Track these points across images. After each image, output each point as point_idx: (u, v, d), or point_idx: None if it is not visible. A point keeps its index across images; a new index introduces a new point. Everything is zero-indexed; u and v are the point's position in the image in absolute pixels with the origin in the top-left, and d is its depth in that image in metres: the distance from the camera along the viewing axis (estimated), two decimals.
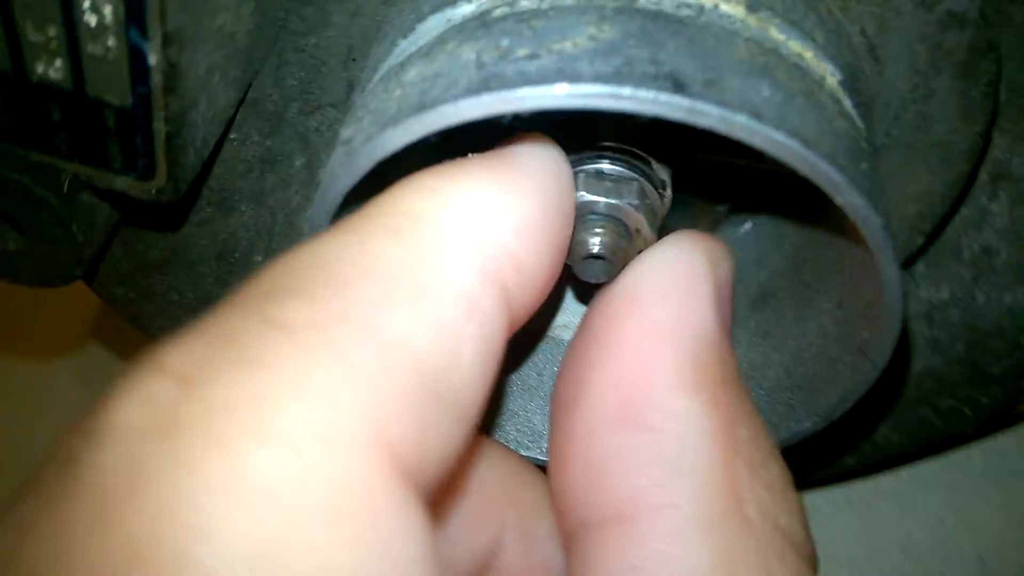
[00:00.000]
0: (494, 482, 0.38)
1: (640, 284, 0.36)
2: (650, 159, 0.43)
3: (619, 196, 0.41)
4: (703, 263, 0.36)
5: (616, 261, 0.41)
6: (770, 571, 0.30)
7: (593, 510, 0.32)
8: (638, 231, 0.42)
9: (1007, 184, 0.52)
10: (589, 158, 0.42)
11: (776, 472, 0.32)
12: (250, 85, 0.44)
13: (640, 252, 0.39)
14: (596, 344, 0.35)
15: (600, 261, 0.41)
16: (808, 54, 0.37)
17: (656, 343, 0.33)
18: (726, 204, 0.54)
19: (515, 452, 0.42)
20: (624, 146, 0.42)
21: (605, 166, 0.42)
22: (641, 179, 0.43)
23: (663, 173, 0.44)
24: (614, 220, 0.42)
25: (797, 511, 0.32)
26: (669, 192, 0.44)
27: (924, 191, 0.47)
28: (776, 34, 0.36)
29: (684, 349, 0.33)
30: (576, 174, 0.41)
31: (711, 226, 0.54)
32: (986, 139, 0.49)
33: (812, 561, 0.32)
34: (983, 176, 0.53)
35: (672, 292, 0.35)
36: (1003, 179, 0.52)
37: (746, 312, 0.49)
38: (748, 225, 0.54)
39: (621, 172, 0.42)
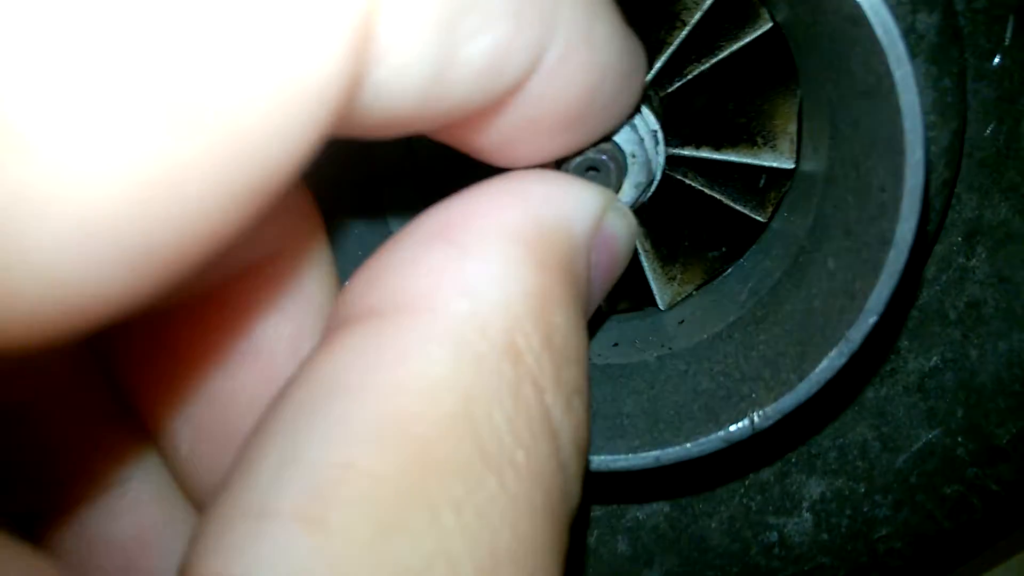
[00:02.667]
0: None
1: (539, 173, 0.35)
2: (642, 106, 0.43)
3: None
4: (604, 199, 0.35)
5: (612, 171, 0.39)
6: (515, 438, 0.26)
7: (362, 299, 0.29)
8: (634, 156, 0.41)
9: (982, 237, 0.52)
10: None
11: (574, 374, 0.30)
12: None
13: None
14: (467, 193, 0.33)
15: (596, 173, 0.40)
16: None
17: (512, 202, 0.31)
18: (720, 250, 0.53)
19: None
20: None
21: None
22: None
23: (655, 123, 0.44)
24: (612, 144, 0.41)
25: (577, 420, 0.30)
26: (661, 145, 0.44)
27: None
28: None
29: (540, 220, 0.31)
30: None
31: (705, 274, 0.53)
32: (952, 187, 0.51)
33: (572, 474, 0.29)
34: (957, 239, 0.53)
35: (562, 188, 0.34)
36: (978, 234, 0.52)
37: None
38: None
39: None
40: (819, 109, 0.45)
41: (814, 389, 0.39)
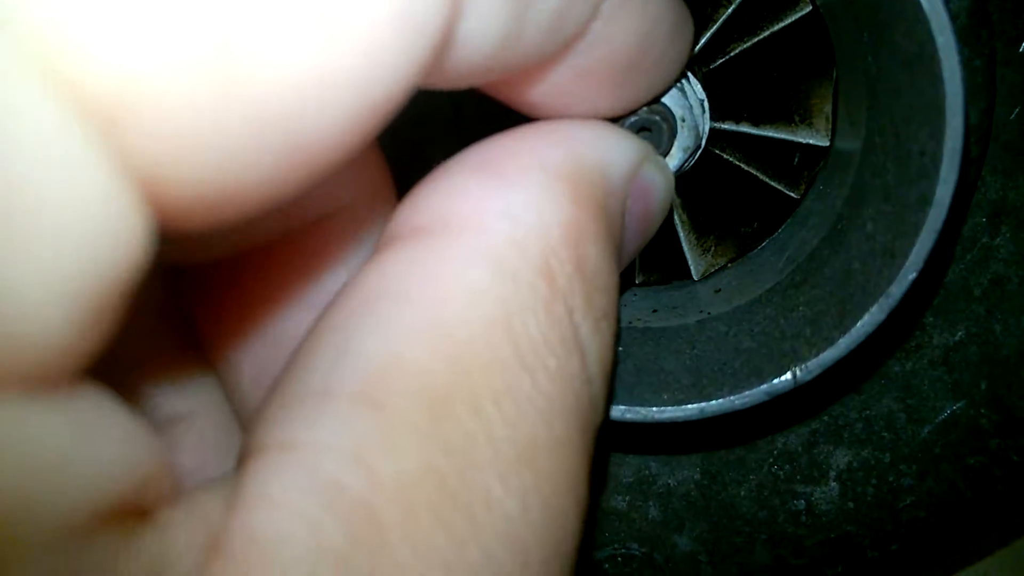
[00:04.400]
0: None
1: (580, 121, 0.36)
2: (690, 75, 0.45)
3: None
4: (643, 150, 0.37)
5: (664, 131, 0.41)
6: (547, 346, 0.29)
7: (410, 219, 0.31)
8: (683, 120, 0.43)
9: (1007, 218, 0.54)
10: None
11: (603, 301, 0.32)
12: None
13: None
14: (510, 134, 0.34)
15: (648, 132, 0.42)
16: None
17: (553, 142, 0.33)
18: (752, 226, 0.55)
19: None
20: None
21: None
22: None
23: (702, 92, 0.46)
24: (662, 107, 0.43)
25: (604, 342, 0.32)
26: (707, 112, 0.46)
27: None
28: None
29: (578, 160, 0.33)
30: None
31: (736, 248, 0.55)
32: (980, 164, 0.53)
33: (598, 391, 0.31)
34: (981, 219, 0.55)
35: (602, 134, 0.35)
36: (1002, 215, 0.54)
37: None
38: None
39: None
40: (857, 84, 0.47)
41: (855, 343, 0.41)
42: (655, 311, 0.52)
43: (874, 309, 0.40)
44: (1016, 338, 0.53)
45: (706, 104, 0.46)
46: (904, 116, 0.40)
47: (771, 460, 0.57)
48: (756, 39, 0.50)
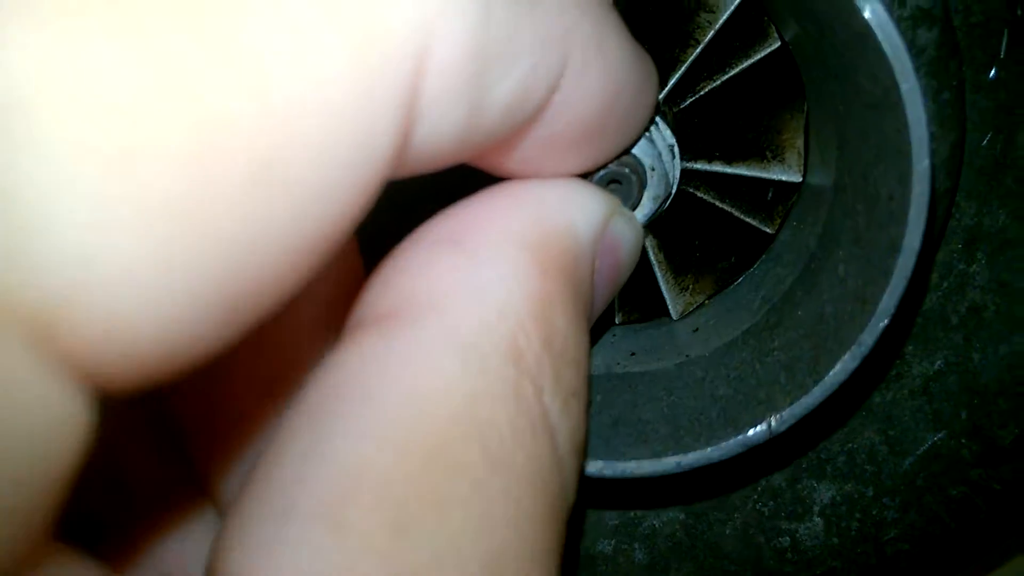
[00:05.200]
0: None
1: (547, 181, 0.35)
2: (659, 120, 0.45)
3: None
4: (609, 205, 0.37)
5: (632, 185, 0.41)
6: (516, 438, 0.28)
7: (379, 305, 0.30)
8: (653, 169, 0.43)
9: (982, 244, 0.54)
10: None
11: (572, 376, 0.31)
12: None
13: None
14: (477, 198, 0.34)
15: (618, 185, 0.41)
16: None
17: (519, 208, 0.33)
18: (730, 260, 0.54)
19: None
20: None
21: None
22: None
23: (671, 137, 0.45)
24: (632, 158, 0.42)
25: (574, 421, 0.31)
26: (678, 158, 0.45)
27: None
28: None
29: (544, 226, 0.32)
30: None
31: (715, 284, 0.54)
32: (952, 195, 0.53)
33: (569, 473, 0.30)
34: (957, 245, 0.55)
35: (568, 194, 0.35)
36: (977, 241, 0.54)
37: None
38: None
39: None
40: (827, 122, 0.46)
41: (828, 392, 0.40)
42: (633, 354, 0.52)
43: (846, 357, 0.39)
44: (994, 367, 0.53)
45: (676, 149, 0.45)
46: (872, 158, 0.40)
47: (755, 497, 0.57)
48: (725, 77, 0.49)
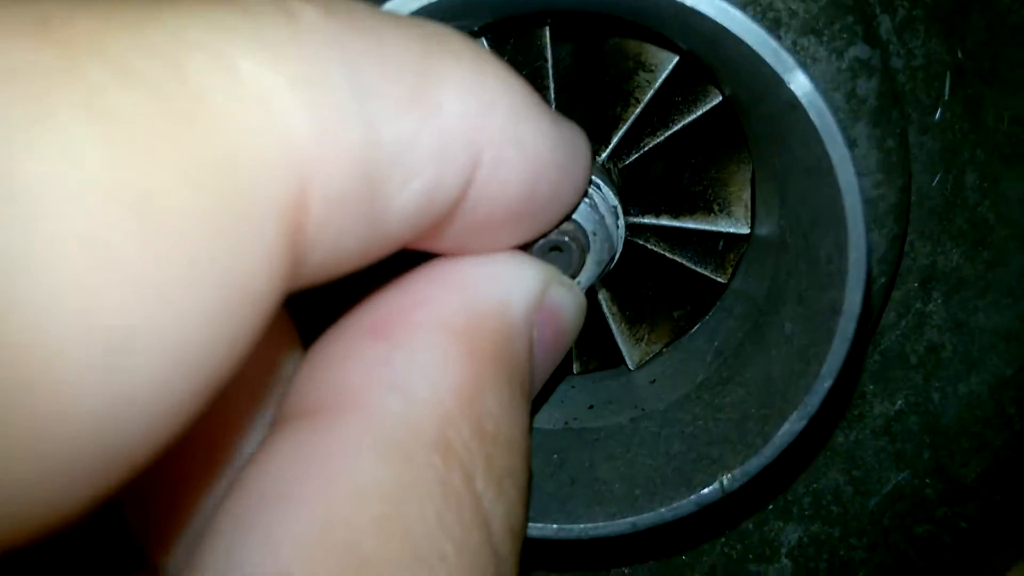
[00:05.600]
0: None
1: (479, 258, 0.35)
2: (601, 183, 0.45)
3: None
4: (544, 275, 0.36)
5: (575, 251, 0.41)
6: (444, 531, 0.27)
7: (304, 400, 0.29)
8: (594, 234, 0.43)
9: (937, 283, 0.54)
10: None
11: (505, 457, 0.31)
12: None
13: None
14: (406, 282, 0.33)
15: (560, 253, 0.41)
16: None
17: (446, 291, 0.32)
18: (685, 308, 0.55)
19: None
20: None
21: None
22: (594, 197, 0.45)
23: (614, 199, 0.45)
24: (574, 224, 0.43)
25: (509, 504, 0.31)
26: (621, 219, 0.45)
27: None
28: None
29: (473, 307, 0.32)
30: None
31: (672, 332, 0.54)
32: (902, 240, 0.53)
33: (505, 555, 0.30)
34: (914, 284, 0.55)
35: (498, 269, 0.34)
36: (933, 280, 0.54)
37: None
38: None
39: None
40: (769, 179, 0.47)
41: (777, 452, 0.40)
42: (591, 407, 0.52)
43: (793, 417, 0.40)
44: (954, 406, 0.53)
45: (619, 210, 0.46)
46: (811, 219, 0.40)
47: (723, 540, 0.57)
48: (668, 132, 0.50)
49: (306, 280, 0.26)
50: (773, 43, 0.35)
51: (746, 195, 0.51)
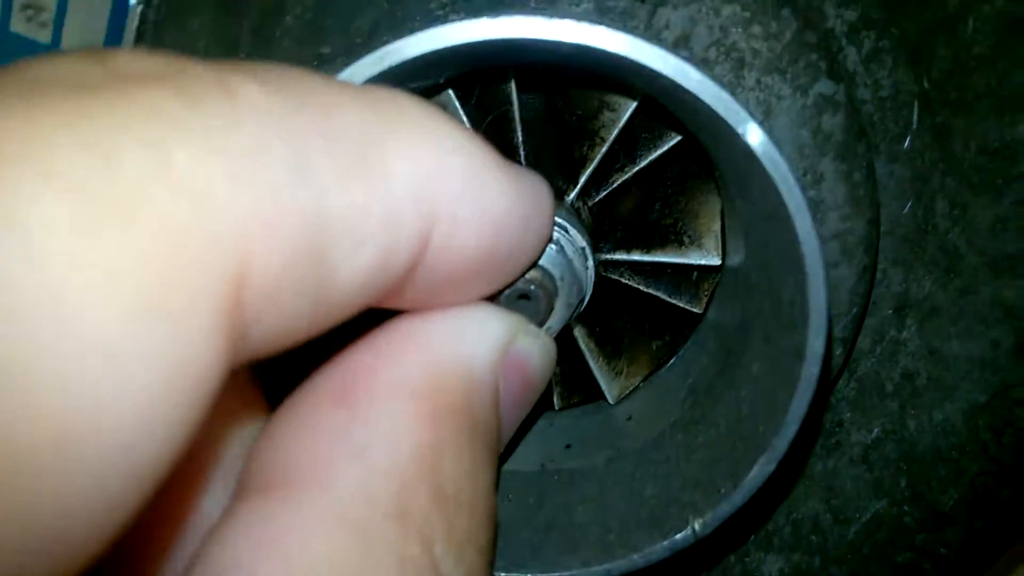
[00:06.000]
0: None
1: (441, 313, 0.35)
2: (568, 226, 0.45)
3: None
4: (509, 327, 0.36)
5: (543, 299, 0.41)
6: None
7: (264, 472, 0.29)
8: (563, 278, 0.43)
9: (911, 311, 0.54)
10: None
11: (466, 521, 0.31)
12: None
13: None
14: (367, 344, 0.33)
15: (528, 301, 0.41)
16: None
17: (406, 352, 0.32)
18: (664, 338, 0.55)
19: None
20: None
21: None
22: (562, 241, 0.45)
23: (582, 240, 0.45)
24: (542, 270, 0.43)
25: (469, 569, 0.30)
26: (590, 260, 0.45)
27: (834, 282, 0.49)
28: None
29: (434, 366, 0.32)
30: None
31: (651, 364, 0.54)
32: (872, 272, 0.53)
33: None
34: (888, 311, 0.55)
35: (461, 324, 0.34)
36: (906, 308, 0.55)
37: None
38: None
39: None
40: (734, 215, 0.47)
41: (747, 496, 0.40)
42: (568, 446, 0.52)
43: (761, 460, 0.40)
44: (930, 434, 0.53)
45: (588, 251, 0.46)
46: (774, 262, 0.40)
47: (705, 573, 0.57)
48: (636, 168, 0.50)
49: (255, 352, 0.26)
50: (726, 96, 0.35)
51: (716, 226, 0.51)
